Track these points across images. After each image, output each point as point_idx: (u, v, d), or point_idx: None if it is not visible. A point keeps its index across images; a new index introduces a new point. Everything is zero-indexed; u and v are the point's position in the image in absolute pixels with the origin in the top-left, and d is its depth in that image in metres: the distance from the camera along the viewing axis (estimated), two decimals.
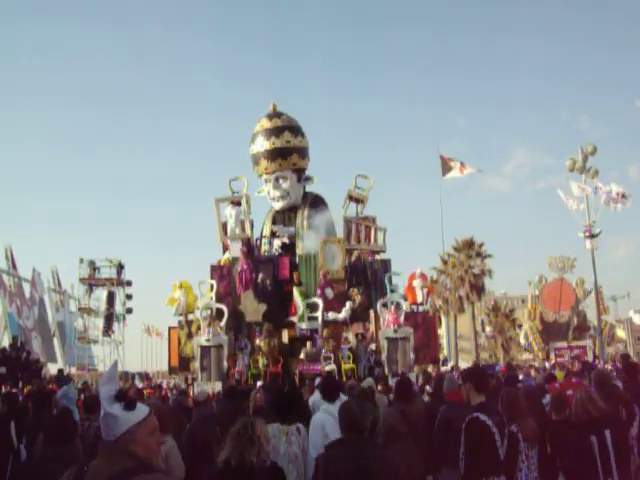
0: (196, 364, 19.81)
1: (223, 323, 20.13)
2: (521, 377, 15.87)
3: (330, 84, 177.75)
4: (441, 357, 30.65)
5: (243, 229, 23.00)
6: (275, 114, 24.69)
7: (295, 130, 24.72)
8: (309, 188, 25.63)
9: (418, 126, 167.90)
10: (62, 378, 24.06)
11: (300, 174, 24.92)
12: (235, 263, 22.25)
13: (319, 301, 20.79)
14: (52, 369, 35.44)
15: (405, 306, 21.12)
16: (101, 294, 45.35)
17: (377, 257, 23.49)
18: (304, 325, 20.42)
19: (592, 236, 35.59)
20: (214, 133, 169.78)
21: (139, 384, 27.68)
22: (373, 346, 20.13)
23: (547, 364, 34.23)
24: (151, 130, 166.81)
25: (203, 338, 19.72)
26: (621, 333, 62.36)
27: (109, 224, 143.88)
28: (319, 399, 7.62)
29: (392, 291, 21.59)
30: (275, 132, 24.26)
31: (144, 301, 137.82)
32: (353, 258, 22.73)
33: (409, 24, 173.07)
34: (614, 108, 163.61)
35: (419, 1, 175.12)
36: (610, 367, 20.64)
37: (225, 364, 19.54)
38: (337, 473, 4.62)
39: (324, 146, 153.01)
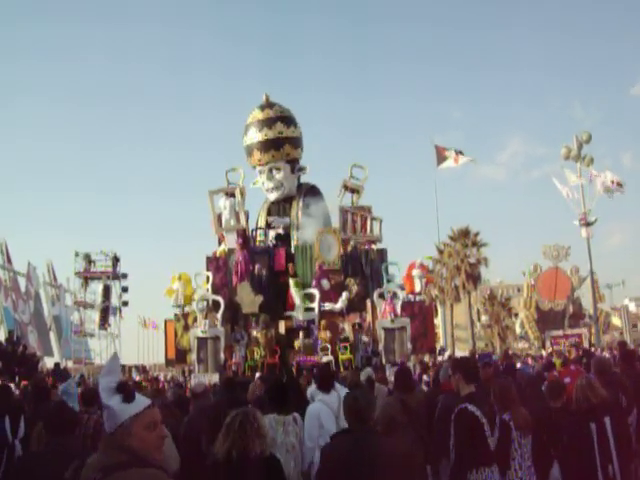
0: (193, 356, 19.80)
1: (219, 315, 20.10)
2: (519, 365, 15.91)
3: (325, 75, 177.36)
4: (437, 347, 30.62)
5: (238, 220, 22.94)
6: (267, 105, 24.53)
7: (287, 120, 24.57)
8: (304, 178, 25.54)
9: (413, 116, 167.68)
10: (59, 372, 24.00)
11: (294, 164, 24.81)
12: (231, 254, 22.21)
13: (315, 292, 20.76)
14: (49, 363, 35.34)
15: (402, 295, 21.12)
16: (97, 287, 45.32)
17: (373, 247, 23.46)
18: (300, 316, 20.39)
19: (588, 224, 35.58)
20: (209, 125, 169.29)
21: (136, 377, 27.67)
22: (365, 337, 20.06)
23: (544, 352, 34.33)
24: (146, 123, 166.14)
25: (199, 330, 19.69)
26: (616, 321, 62.51)
27: (104, 217, 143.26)
28: (316, 390, 7.61)
29: (389, 281, 21.60)
30: (267, 123, 24.13)
31: (140, 294, 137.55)
32: (349, 248, 22.70)
33: (404, 17, 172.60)
34: (608, 96, 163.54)
35: None
36: (607, 355, 20.66)
37: (222, 356, 19.53)
38: (341, 462, 4.60)
39: (319, 137, 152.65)
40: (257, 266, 21.74)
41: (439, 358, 26.00)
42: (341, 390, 7.42)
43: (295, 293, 20.89)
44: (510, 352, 27.29)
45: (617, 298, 67.53)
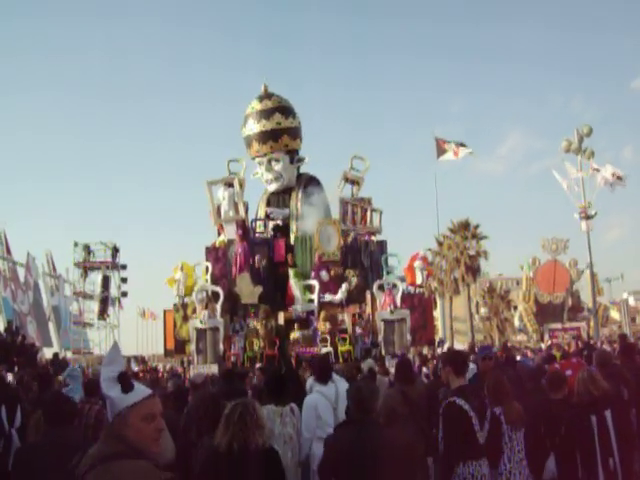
0: (192, 347, 19.78)
1: (218, 305, 20.07)
2: (518, 358, 15.87)
3: (326, 67, 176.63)
4: (437, 339, 30.63)
5: (237, 211, 22.88)
6: (266, 95, 24.43)
7: (286, 111, 24.45)
8: (304, 169, 25.46)
9: (413, 108, 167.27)
10: (58, 362, 23.98)
11: (293, 155, 24.72)
12: (230, 245, 22.18)
13: (315, 283, 20.74)
14: (48, 353, 35.31)
15: (402, 287, 21.09)
16: (96, 278, 45.24)
17: (373, 238, 23.44)
18: (300, 307, 20.37)
19: (588, 217, 35.52)
20: (209, 116, 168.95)
21: (135, 367, 27.65)
22: (359, 329, 19.97)
23: (543, 345, 34.33)
24: (145, 114, 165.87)
25: (199, 321, 19.66)
26: (615, 314, 62.52)
27: (104, 208, 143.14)
28: (314, 381, 7.62)
29: (388, 273, 21.58)
30: (265, 114, 24.03)
31: (139, 285, 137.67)
32: (349, 240, 22.66)
33: (405, 9, 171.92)
34: (607, 90, 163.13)
35: None
36: (608, 348, 20.65)
37: (221, 347, 19.50)
38: (344, 453, 4.62)
39: (319, 129, 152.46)
40: (257, 257, 21.70)
41: (438, 350, 26.00)
42: (339, 382, 7.40)
43: (295, 284, 20.87)
44: (509, 345, 27.29)
45: (616, 292, 67.59)
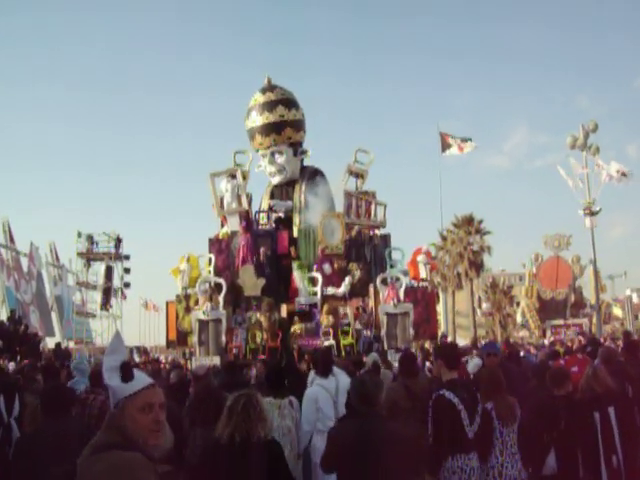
0: (194, 338, 19.73)
1: (221, 297, 20.04)
2: (521, 354, 15.83)
3: (330, 61, 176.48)
4: (439, 333, 30.60)
5: (240, 203, 22.82)
6: (269, 87, 24.28)
7: (289, 103, 24.28)
8: (308, 162, 25.37)
9: (418, 103, 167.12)
10: (60, 352, 24.03)
11: (296, 148, 24.57)
12: (233, 237, 22.15)
13: (318, 276, 20.72)
14: (50, 343, 35.42)
15: (406, 281, 21.03)
16: (99, 268, 45.31)
17: (377, 232, 23.38)
18: (303, 300, 20.35)
19: (592, 214, 35.40)
20: (213, 107, 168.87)
21: (137, 358, 27.70)
22: (359, 325, 19.89)
23: (546, 341, 34.28)
24: (149, 105, 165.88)
25: (201, 312, 19.63)
26: (617, 311, 62.47)
27: (107, 198, 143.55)
28: (314, 374, 7.63)
29: (392, 266, 21.53)
30: (268, 107, 23.89)
31: (142, 275, 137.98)
32: (353, 233, 22.60)
33: (409, 7, 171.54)
34: (611, 87, 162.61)
35: None
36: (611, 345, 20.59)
37: (223, 338, 19.46)
38: (347, 446, 4.64)
39: (324, 122, 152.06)
40: (260, 249, 21.66)
41: None
42: (339, 375, 7.39)
43: (299, 276, 20.84)
44: (511, 340, 27.26)
45: (619, 289, 67.58)
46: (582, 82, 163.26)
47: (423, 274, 22.42)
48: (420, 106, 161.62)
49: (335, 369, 7.55)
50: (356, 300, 20.59)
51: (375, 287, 20.73)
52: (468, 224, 42.33)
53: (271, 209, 24.03)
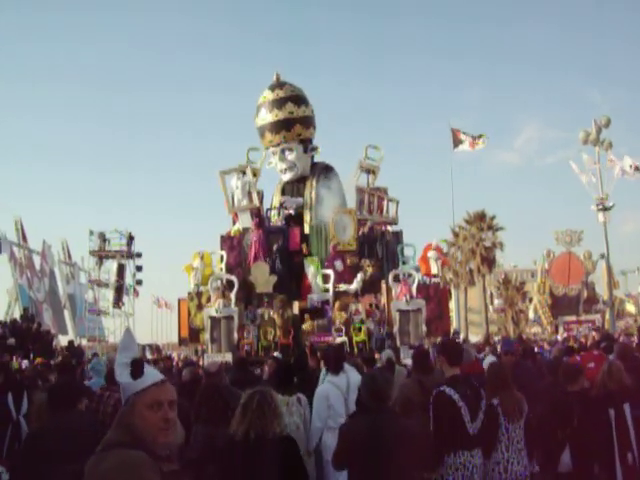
0: (206, 335, 19.75)
1: (233, 294, 20.04)
2: (535, 350, 15.72)
3: (341, 60, 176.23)
4: (451, 330, 30.52)
5: (250, 200, 22.81)
6: (278, 84, 24.26)
7: (298, 100, 24.25)
8: (319, 158, 25.33)
9: (429, 100, 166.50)
10: (73, 350, 24.12)
11: (306, 144, 24.54)
12: (245, 234, 22.14)
13: (330, 272, 20.68)
14: (63, 341, 35.54)
15: (418, 277, 20.96)
16: (111, 266, 45.38)
17: (389, 228, 23.32)
18: (315, 296, 20.32)
19: (605, 209, 35.21)
20: (225, 105, 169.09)
21: (149, 356, 27.76)
22: (372, 324, 19.84)
23: (559, 337, 34.14)
24: (162, 103, 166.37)
25: (213, 309, 19.63)
26: (630, 307, 62.15)
27: (119, 196, 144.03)
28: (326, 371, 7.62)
29: (404, 263, 21.47)
30: (277, 104, 23.87)
31: (154, 273, 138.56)
32: (365, 229, 22.55)
33: (420, 5, 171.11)
34: (623, 83, 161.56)
35: None
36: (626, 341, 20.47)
37: (235, 335, 19.46)
38: (358, 442, 4.63)
39: (335, 119, 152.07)
40: (276, 245, 21.66)
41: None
42: (350, 372, 7.37)
43: (312, 273, 20.81)
44: (524, 337, 27.15)
45: (632, 285, 67.21)
46: (594, 77, 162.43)
47: (434, 270, 22.32)
48: (431, 103, 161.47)
49: (346, 366, 7.54)
50: (368, 297, 20.56)
51: (387, 284, 20.67)
52: (480, 220, 42.16)
53: (282, 206, 24.01)
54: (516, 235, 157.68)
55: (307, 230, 22.78)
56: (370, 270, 20.95)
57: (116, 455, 2.64)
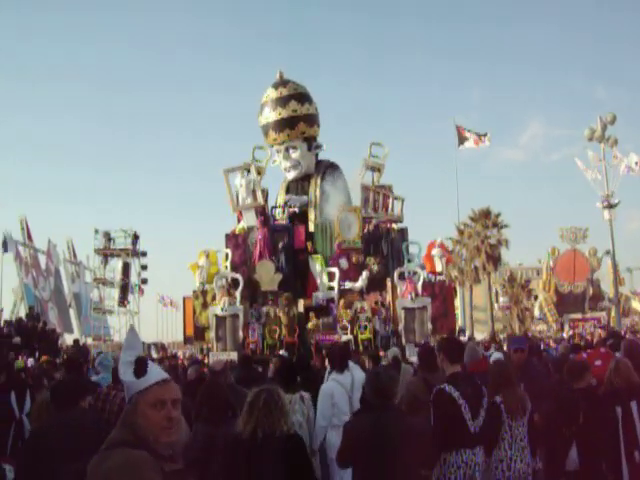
0: (211, 334, 19.74)
1: (238, 292, 20.03)
2: (542, 347, 15.70)
3: (346, 58, 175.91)
4: (457, 328, 30.48)
5: (255, 198, 22.78)
6: (281, 82, 24.14)
7: (302, 98, 24.09)
8: (323, 157, 25.28)
9: (433, 97, 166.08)
10: (78, 348, 24.18)
11: (311, 142, 24.44)
12: (249, 232, 22.13)
13: (335, 270, 20.66)
14: (68, 339, 35.65)
15: (424, 275, 20.93)
16: (116, 265, 45.58)
17: (394, 226, 23.28)
18: (320, 294, 20.31)
19: (610, 206, 35.13)
20: (229, 104, 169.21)
21: (154, 354, 27.80)
22: (379, 317, 19.84)
23: (564, 335, 34.11)
24: (165, 101, 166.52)
25: (218, 308, 19.63)
26: (636, 305, 62.03)
27: (124, 195, 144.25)
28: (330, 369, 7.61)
29: (409, 261, 21.43)
30: (281, 102, 23.75)
31: (159, 272, 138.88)
32: (371, 227, 22.52)
33: (424, 6, 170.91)
34: (628, 79, 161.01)
35: None
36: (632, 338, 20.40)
37: (241, 334, 19.45)
38: (363, 438, 4.63)
39: (339, 117, 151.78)
40: (281, 243, 21.65)
41: (461, 339, 25.83)
42: (354, 370, 7.36)
43: (317, 271, 20.79)
44: (529, 334, 27.12)
45: (637, 282, 67.02)
46: (599, 74, 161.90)
47: (439, 267, 22.27)
48: (435, 100, 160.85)
49: (350, 364, 7.52)
50: (374, 295, 20.52)
51: (392, 281, 20.64)
52: (485, 217, 42.08)
53: (286, 204, 23.98)
54: (521, 232, 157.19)
55: (312, 228, 22.74)
56: (375, 268, 20.92)
57: (118, 454, 2.62)
